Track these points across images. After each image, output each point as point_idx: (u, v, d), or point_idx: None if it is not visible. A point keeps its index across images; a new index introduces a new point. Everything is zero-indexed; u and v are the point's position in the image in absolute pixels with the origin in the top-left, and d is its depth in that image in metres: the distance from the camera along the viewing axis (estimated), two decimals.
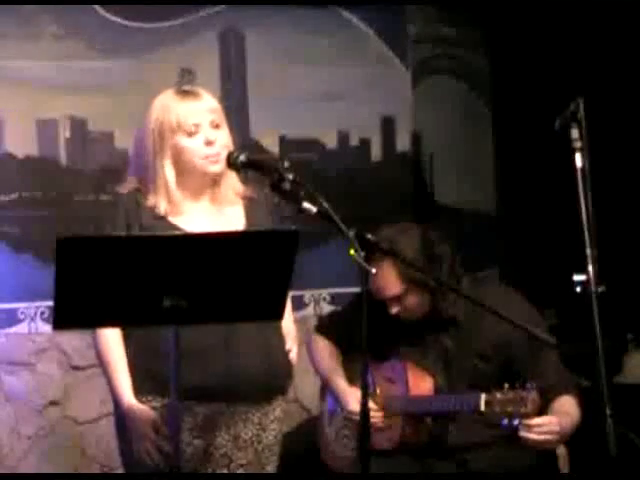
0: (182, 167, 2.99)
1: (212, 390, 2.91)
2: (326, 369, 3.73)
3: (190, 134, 2.97)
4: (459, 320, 3.50)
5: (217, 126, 3.00)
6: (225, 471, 3.01)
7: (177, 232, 2.92)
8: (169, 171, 2.98)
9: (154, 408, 2.93)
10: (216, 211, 3.05)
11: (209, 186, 3.04)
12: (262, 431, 3.05)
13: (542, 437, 3.22)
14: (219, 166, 2.99)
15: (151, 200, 3.00)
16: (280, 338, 3.08)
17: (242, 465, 3.03)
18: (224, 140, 3.00)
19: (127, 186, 3.05)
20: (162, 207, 2.99)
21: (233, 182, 3.07)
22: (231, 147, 3.02)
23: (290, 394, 4.97)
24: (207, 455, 2.98)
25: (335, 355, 3.75)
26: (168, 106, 2.99)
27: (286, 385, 3.14)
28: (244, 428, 3.02)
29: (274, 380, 3.07)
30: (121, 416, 2.98)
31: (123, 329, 2.97)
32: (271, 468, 3.11)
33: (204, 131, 2.98)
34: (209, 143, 2.97)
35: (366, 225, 2.85)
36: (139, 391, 2.96)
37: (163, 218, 3.00)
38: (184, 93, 3.03)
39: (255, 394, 3.01)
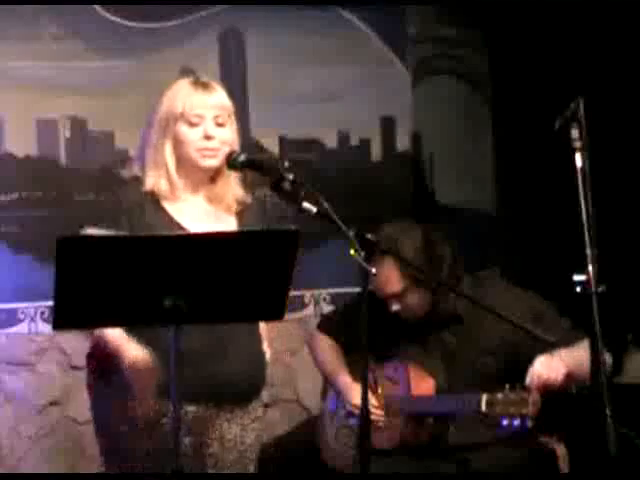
0: (179, 156, 2.99)
1: (200, 391, 2.90)
2: (329, 365, 3.74)
3: (191, 124, 2.97)
4: (461, 317, 3.51)
5: (221, 124, 2.99)
6: (213, 471, 3.00)
7: (177, 231, 2.91)
8: (169, 156, 2.98)
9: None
10: (211, 210, 3.04)
11: (206, 183, 3.04)
12: (244, 431, 3.05)
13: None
14: (214, 161, 2.99)
15: (150, 182, 2.99)
16: (260, 340, 3.09)
17: (227, 466, 3.03)
18: (226, 138, 2.99)
19: (130, 169, 3.05)
20: (163, 186, 2.98)
21: (231, 184, 3.06)
22: (235, 146, 3.02)
23: (290, 394, 5.00)
24: (196, 454, 2.97)
25: (337, 352, 3.75)
26: (178, 93, 3.01)
27: (263, 386, 3.14)
28: (229, 428, 3.02)
29: (256, 381, 3.07)
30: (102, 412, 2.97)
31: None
32: (252, 469, 3.10)
33: (206, 125, 2.98)
34: (208, 137, 2.97)
35: (366, 225, 2.85)
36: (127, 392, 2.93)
37: (161, 208, 2.98)
38: (197, 84, 3.03)
39: (240, 395, 3.02)
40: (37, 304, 4.53)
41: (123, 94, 4.60)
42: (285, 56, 4.98)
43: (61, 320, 2.56)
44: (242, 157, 2.94)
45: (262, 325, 3.12)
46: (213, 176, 3.04)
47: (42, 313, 4.55)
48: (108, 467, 3.03)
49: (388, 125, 5.22)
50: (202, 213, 3.02)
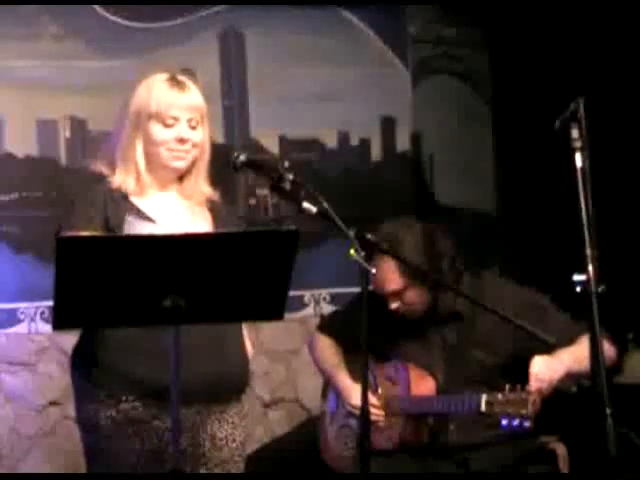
0: (149, 154, 2.97)
1: (191, 391, 2.88)
2: (329, 366, 3.74)
3: (165, 125, 2.95)
4: (461, 313, 3.51)
5: (194, 127, 2.97)
6: (204, 470, 2.99)
7: (177, 232, 2.90)
8: (140, 154, 2.96)
9: (134, 408, 2.90)
10: (186, 205, 3.04)
11: (174, 181, 3.03)
12: (235, 430, 3.04)
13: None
14: (183, 162, 2.98)
15: (118, 179, 2.96)
16: (244, 339, 3.09)
17: (217, 465, 3.02)
18: (197, 140, 2.98)
19: (95, 166, 3.02)
20: (131, 185, 2.95)
21: (199, 182, 3.04)
22: (205, 148, 3.02)
23: (290, 394, 5.01)
24: (187, 454, 2.95)
25: (338, 352, 3.75)
26: (152, 90, 2.97)
27: (248, 384, 3.14)
28: (219, 427, 3.01)
29: (244, 380, 3.07)
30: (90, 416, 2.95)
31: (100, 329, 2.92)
32: (242, 467, 3.10)
33: (180, 127, 2.95)
34: (181, 141, 2.95)
35: (366, 225, 2.85)
36: (117, 393, 2.90)
37: (134, 206, 2.94)
38: (173, 82, 2.99)
39: (230, 394, 3.02)
40: (37, 304, 4.53)
41: (123, 94, 4.59)
42: (285, 56, 4.99)
43: (61, 320, 2.55)
44: (242, 157, 2.92)
45: (243, 325, 3.12)
46: (181, 175, 3.03)
47: (42, 313, 4.55)
48: (92, 468, 2.99)
49: (388, 125, 5.23)
50: (175, 209, 3.01)
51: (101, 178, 2.99)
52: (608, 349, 3.26)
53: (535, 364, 3.27)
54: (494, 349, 3.47)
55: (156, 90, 2.98)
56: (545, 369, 3.27)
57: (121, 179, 2.96)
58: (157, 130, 2.96)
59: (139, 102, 2.98)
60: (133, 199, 2.97)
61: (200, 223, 3.01)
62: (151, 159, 2.98)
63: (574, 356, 3.29)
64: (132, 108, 2.99)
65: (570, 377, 3.37)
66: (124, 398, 2.90)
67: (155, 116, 2.95)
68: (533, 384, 3.24)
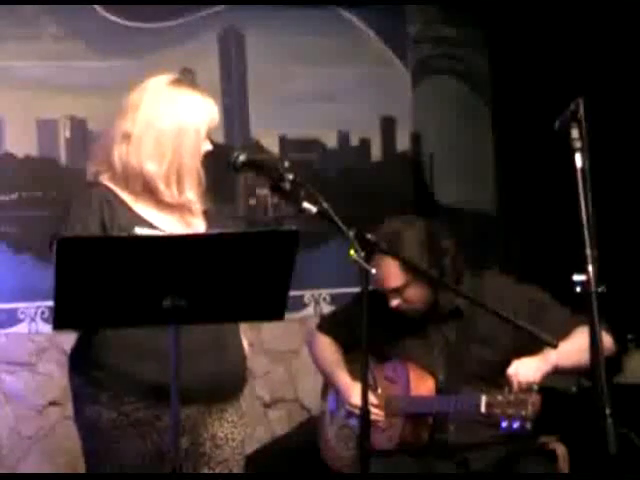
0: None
1: (192, 391, 2.88)
2: (329, 365, 3.74)
3: (205, 139, 2.96)
4: (462, 310, 3.51)
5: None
6: (206, 470, 2.99)
7: (178, 232, 2.90)
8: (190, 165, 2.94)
9: (136, 409, 2.89)
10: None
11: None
12: (234, 428, 3.04)
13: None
14: None
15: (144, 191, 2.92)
16: (241, 338, 3.09)
17: (220, 463, 3.02)
18: None
19: (92, 167, 2.99)
20: (181, 193, 2.92)
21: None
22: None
23: (290, 394, 5.01)
24: (188, 454, 2.96)
25: (337, 351, 3.75)
26: (194, 108, 2.95)
27: (246, 383, 3.14)
28: (220, 427, 3.01)
29: (242, 379, 3.08)
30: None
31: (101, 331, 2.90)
32: (241, 465, 3.10)
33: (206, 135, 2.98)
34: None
35: (366, 225, 2.85)
36: (119, 394, 2.88)
37: (129, 207, 2.92)
38: (200, 89, 2.99)
39: (230, 394, 3.02)
40: (37, 304, 4.54)
41: (123, 94, 4.59)
42: (285, 56, 4.99)
43: (61, 320, 2.55)
44: (242, 157, 2.92)
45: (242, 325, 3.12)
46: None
47: (42, 313, 4.55)
48: (94, 470, 2.97)
49: (388, 125, 5.23)
50: (169, 211, 2.99)
51: (96, 180, 2.97)
52: (606, 339, 3.27)
53: (512, 366, 3.30)
54: (494, 346, 3.47)
55: (198, 109, 2.97)
56: (520, 370, 3.28)
57: (166, 188, 2.94)
58: (195, 145, 2.98)
59: (185, 117, 2.95)
60: (131, 203, 2.94)
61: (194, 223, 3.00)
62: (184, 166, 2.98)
63: (562, 353, 3.29)
64: (172, 122, 2.95)
65: (563, 373, 3.38)
66: (126, 399, 2.89)
67: (200, 132, 2.98)
68: (509, 382, 3.27)
